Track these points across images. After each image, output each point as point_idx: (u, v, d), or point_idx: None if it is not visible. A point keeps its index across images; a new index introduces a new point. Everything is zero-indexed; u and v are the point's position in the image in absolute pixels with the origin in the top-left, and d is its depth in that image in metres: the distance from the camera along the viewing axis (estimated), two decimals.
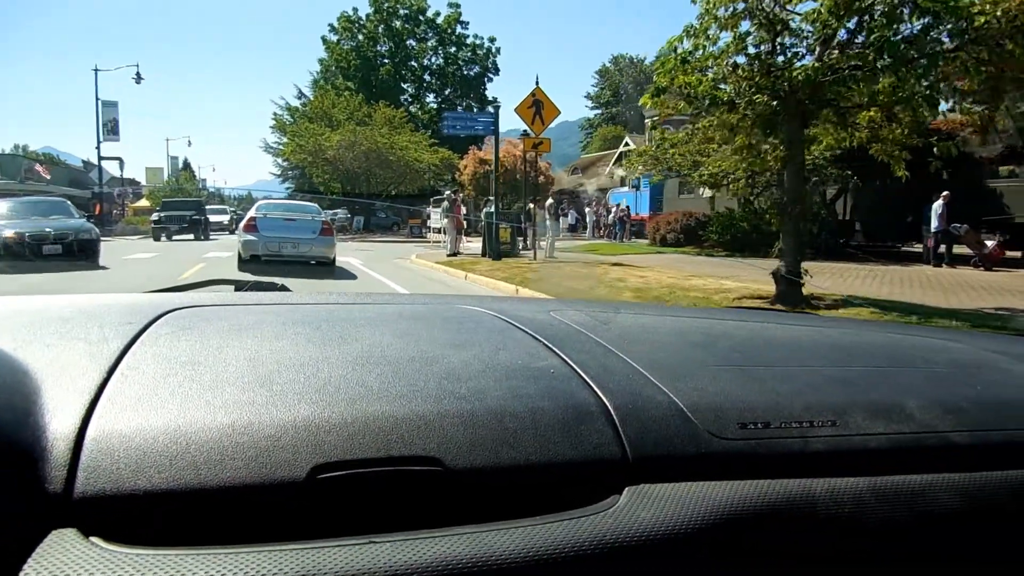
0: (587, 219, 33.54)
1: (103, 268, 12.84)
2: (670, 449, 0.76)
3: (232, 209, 39.74)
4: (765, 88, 7.54)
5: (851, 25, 7.38)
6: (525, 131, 16.62)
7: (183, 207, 27.44)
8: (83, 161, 48.66)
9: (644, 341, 1.11)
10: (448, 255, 16.92)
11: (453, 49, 51.99)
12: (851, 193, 17.71)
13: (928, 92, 7.24)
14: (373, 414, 0.71)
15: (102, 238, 14.86)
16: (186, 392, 0.72)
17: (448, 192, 24.02)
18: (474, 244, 18.61)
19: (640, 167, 19.53)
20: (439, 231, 21.99)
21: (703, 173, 9.43)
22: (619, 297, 9.19)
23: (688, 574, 0.68)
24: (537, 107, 15.55)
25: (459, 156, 33.58)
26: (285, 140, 43.38)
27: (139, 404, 0.69)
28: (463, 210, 20.32)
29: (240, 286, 1.49)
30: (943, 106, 8.34)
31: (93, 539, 0.56)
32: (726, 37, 7.90)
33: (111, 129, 37.15)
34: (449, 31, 51.67)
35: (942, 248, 14.63)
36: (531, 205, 18.21)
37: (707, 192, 20.01)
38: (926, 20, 6.93)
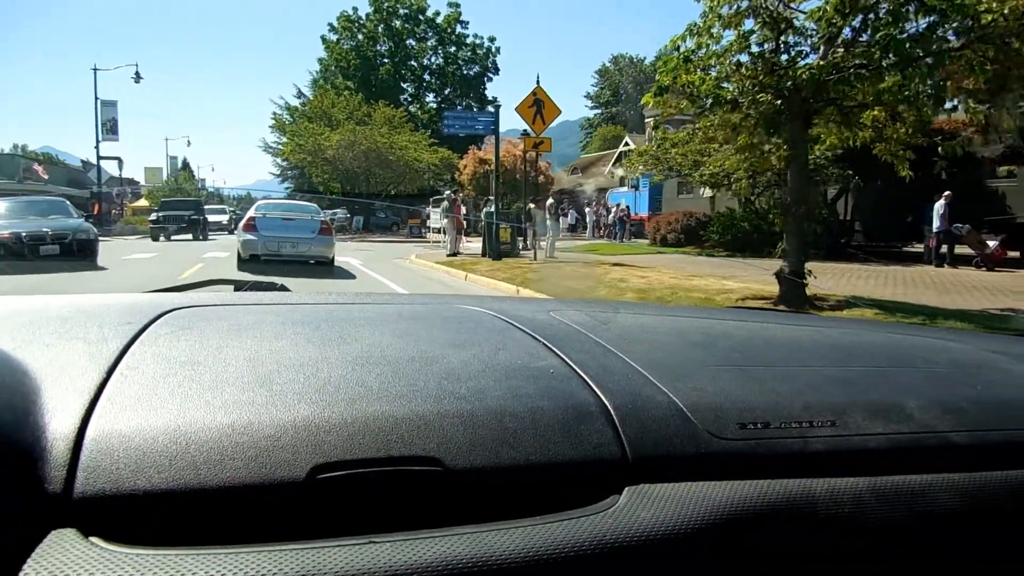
0: (587, 219, 33.55)
1: (102, 268, 12.79)
2: (670, 449, 0.76)
3: (231, 209, 39.67)
4: (769, 87, 7.50)
5: (856, 23, 7.35)
6: (525, 131, 16.62)
7: (182, 207, 27.35)
8: (82, 161, 48.67)
9: (644, 341, 1.11)
10: (448, 255, 16.91)
11: (453, 49, 52.00)
12: (852, 193, 17.72)
13: (934, 91, 7.21)
14: (373, 414, 0.71)
15: (101, 238, 14.79)
16: (186, 392, 0.72)
17: (448, 192, 24.00)
18: (474, 244, 18.59)
19: (641, 167, 19.60)
20: (439, 231, 21.95)
21: (704, 173, 9.41)
22: (621, 298, 9.15)
23: (688, 574, 0.68)
24: (538, 106, 15.55)
25: (459, 156, 33.62)
26: (284, 140, 43.37)
27: (139, 404, 0.69)
28: (463, 210, 20.33)
29: (239, 286, 1.49)
30: (948, 104, 8.28)
31: (93, 539, 0.56)
32: (729, 35, 7.89)
33: (110, 129, 37.10)
34: (449, 31, 51.67)
35: (944, 248, 14.63)
36: (531, 205, 18.22)
37: (707, 192, 20.10)
38: (932, 18, 6.88)
